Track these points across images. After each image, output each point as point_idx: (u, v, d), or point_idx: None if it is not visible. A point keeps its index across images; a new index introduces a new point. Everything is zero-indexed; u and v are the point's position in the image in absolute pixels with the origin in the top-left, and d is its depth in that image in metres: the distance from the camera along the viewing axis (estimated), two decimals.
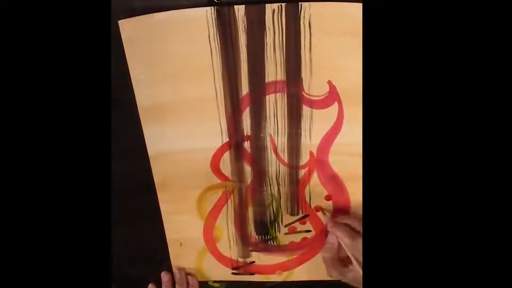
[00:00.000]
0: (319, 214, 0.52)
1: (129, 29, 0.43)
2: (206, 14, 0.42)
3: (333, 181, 0.50)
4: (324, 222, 0.52)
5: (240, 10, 0.42)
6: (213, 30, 0.43)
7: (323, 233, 0.53)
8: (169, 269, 0.56)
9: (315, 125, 0.47)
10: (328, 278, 0.50)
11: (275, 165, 0.50)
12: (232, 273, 0.56)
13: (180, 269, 0.57)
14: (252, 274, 0.56)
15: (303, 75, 0.45)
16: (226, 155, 0.50)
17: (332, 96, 0.45)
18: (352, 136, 0.47)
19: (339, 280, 0.49)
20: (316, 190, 0.51)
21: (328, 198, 0.51)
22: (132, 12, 0.43)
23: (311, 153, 0.49)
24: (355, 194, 0.51)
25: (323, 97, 0.45)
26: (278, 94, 0.46)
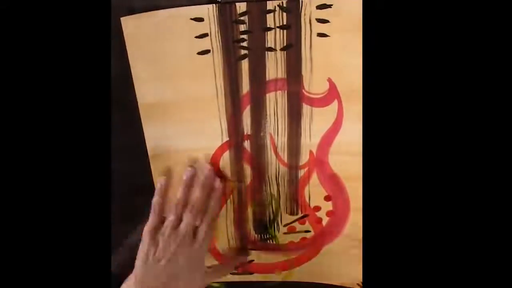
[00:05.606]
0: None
1: (131, 26, 0.43)
2: (208, 11, 0.42)
3: (333, 181, 0.50)
4: None
5: (241, 7, 0.42)
6: (214, 28, 0.43)
7: (323, 234, 0.53)
8: None
9: (315, 123, 0.47)
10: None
11: (275, 165, 0.50)
12: (231, 273, 0.56)
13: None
14: (251, 273, 0.56)
15: (303, 72, 0.45)
16: (226, 155, 0.50)
17: (332, 94, 0.45)
18: (352, 135, 0.47)
19: (340, 286, 0.49)
20: (315, 191, 0.50)
21: (327, 198, 0.51)
22: (133, 10, 0.43)
23: (310, 153, 0.49)
24: (355, 194, 0.50)
25: (323, 95, 0.45)
26: (278, 92, 0.46)
